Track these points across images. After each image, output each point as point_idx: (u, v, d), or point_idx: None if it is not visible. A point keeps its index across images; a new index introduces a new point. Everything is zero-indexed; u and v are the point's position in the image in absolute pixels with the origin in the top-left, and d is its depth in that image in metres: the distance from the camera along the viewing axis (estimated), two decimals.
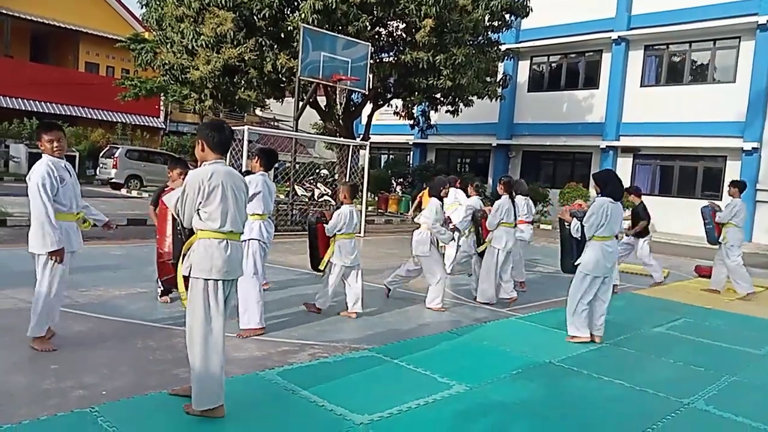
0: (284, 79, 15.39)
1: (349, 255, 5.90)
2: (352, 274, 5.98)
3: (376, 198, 22.12)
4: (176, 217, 3.42)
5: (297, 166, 16.51)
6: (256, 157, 5.48)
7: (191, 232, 3.38)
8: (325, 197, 17.94)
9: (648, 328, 6.45)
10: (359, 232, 6.09)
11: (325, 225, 5.89)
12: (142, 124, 30.50)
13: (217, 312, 3.31)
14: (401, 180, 25.05)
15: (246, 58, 14.11)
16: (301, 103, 13.88)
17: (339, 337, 5.28)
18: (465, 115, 19.27)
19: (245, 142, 11.48)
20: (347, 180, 13.96)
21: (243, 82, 15.56)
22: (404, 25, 15.79)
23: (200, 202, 3.27)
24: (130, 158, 21.85)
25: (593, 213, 5.47)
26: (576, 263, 5.66)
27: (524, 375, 4.63)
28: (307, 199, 17.25)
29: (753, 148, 18.13)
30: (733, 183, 8.83)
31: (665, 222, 18.60)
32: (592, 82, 22.35)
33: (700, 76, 20.08)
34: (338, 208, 6.03)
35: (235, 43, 14.08)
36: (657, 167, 20.90)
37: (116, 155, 21.49)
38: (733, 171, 18.70)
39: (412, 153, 28.00)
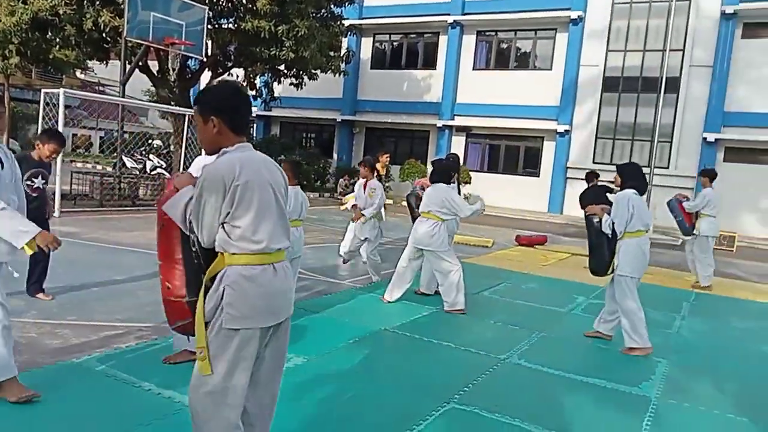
0: (109, 39, 13.99)
1: (298, 245, 5.05)
2: (292, 265, 5.25)
3: None
4: (188, 233, 2.27)
5: (126, 135, 15.19)
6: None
7: (212, 255, 2.26)
8: (159, 170, 16.78)
9: (474, 293, 7.00)
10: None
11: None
12: None
13: (247, 366, 2.24)
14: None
15: (61, 12, 12.55)
16: (128, 67, 12.72)
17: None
18: (309, 89, 19.12)
19: (61, 108, 10.26)
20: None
21: (58, 39, 13.84)
22: None
23: (228, 212, 2.16)
24: None
25: (619, 206, 5.09)
26: (606, 265, 5.23)
27: (360, 344, 4.77)
28: (137, 172, 16.00)
29: (565, 130, 20.36)
30: (703, 172, 8.53)
31: (492, 197, 20.26)
32: (430, 63, 23.37)
33: (524, 62, 21.97)
34: None
35: None
36: (486, 146, 22.59)
37: None
38: (549, 151, 20.86)
39: (255, 125, 27.19)
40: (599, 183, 8.47)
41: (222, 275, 2.20)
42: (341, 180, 20.67)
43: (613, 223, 5.11)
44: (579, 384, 4.26)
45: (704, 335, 6.07)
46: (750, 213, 17.66)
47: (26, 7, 12.47)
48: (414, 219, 6.46)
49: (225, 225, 2.18)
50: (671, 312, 6.82)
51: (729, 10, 17.81)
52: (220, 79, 18.27)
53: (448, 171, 6.21)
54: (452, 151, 20.79)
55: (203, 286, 2.24)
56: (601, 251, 5.25)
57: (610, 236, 5.15)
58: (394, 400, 3.71)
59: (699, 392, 4.34)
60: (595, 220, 5.24)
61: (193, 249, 2.26)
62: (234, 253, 2.18)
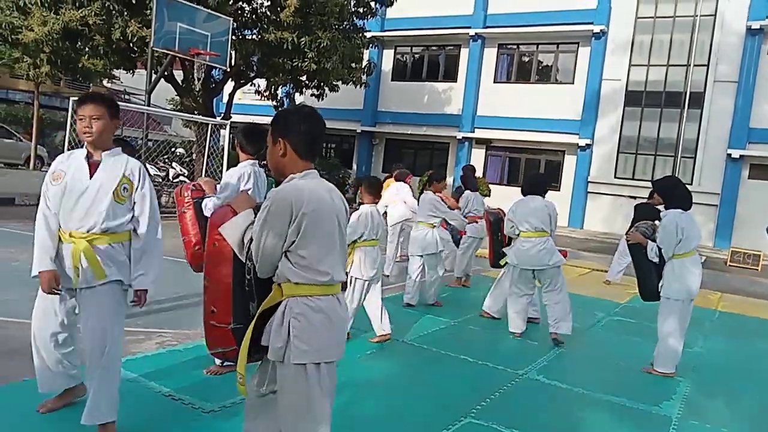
0: (136, 49, 14.25)
1: (373, 266, 4.93)
2: (373, 288, 5.03)
3: None
4: (244, 259, 2.16)
5: (150, 143, 15.45)
6: (237, 143, 4.16)
7: (265, 285, 2.17)
8: (181, 177, 17.01)
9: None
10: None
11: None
12: None
13: (322, 394, 2.18)
14: (265, 163, 24.43)
15: (90, 22, 12.83)
16: (154, 76, 12.95)
17: (191, 324, 5.05)
18: (330, 99, 19.25)
19: None
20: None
21: (87, 48, 14.15)
22: (269, 2, 15.35)
23: (293, 241, 2.07)
24: None
25: (666, 232, 4.77)
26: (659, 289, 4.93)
27: (377, 355, 4.77)
28: (160, 179, 16.24)
29: (587, 144, 20.20)
30: None
31: None
32: (451, 75, 23.41)
33: (545, 76, 21.90)
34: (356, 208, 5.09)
35: (77, 4, 12.73)
36: (506, 159, 22.51)
37: None
38: (570, 165, 20.70)
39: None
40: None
41: (285, 308, 2.10)
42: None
43: (659, 249, 4.81)
44: (598, 401, 4.21)
45: (726, 355, 5.96)
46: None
47: (58, 17, 12.78)
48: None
49: (289, 254, 2.09)
50: (693, 331, 6.70)
51: (755, 25, 17.58)
52: (244, 89, 18.52)
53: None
54: (470, 164, 20.80)
55: (254, 317, 2.15)
56: (650, 277, 4.96)
57: (657, 262, 4.87)
58: (411, 413, 3.70)
59: (720, 413, 4.26)
60: (642, 249, 4.94)
61: (247, 276, 2.14)
62: (298, 283, 2.09)
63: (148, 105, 12.85)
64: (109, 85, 32.42)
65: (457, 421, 3.59)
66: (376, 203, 5.09)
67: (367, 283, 4.92)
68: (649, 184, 18.68)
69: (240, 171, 4.02)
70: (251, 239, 2.11)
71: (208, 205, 3.74)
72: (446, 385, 4.28)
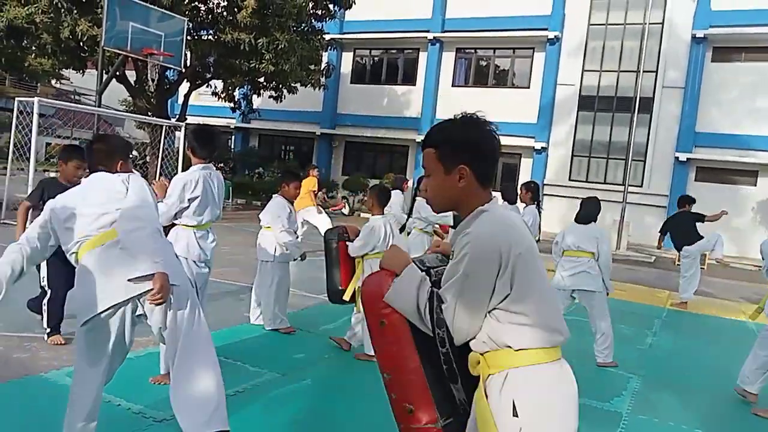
0: (86, 48, 13.85)
1: None
2: None
3: None
4: (430, 329, 1.61)
5: None
6: (188, 146, 4.03)
7: (465, 354, 1.65)
8: None
9: None
10: None
11: (348, 243, 4.53)
12: None
13: None
14: (222, 165, 24.09)
15: (37, 20, 12.39)
16: (105, 77, 12.59)
17: (143, 331, 4.90)
18: (289, 102, 19.12)
19: (35, 116, 10.10)
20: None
21: (34, 47, 13.66)
22: (225, 3, 15.13)
23: (506, 295, 1.57)
24: None
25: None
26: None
27: (337, 359, 4.74)
28: None
29: (542, 147, 20.65)
30: None
31: None
32: (410, 79, 23.57)
33: (502, 80, 22.29)
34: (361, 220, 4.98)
35: (23, 1, 12.27)
36: None
37: None
38: (526, 168, 21.12)
39: (233, 137, 27.05)
40: (691, 210, 8.37)
41: (501, 384, 1.57)
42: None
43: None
44: None
45: (674, 351, 6.17)
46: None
47: (2, 14, 12.30)
48: None
49: (499, 311, 1.58)
50: (643, 328, 6.93)
51: (699, 34, 18.34)
52: (200, 90, 18.15)
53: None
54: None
55: (464, 402, 1.66)
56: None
57: None
58: (369, 417, 3.69)
59: (668, 408, 4.40)
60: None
61: (443, 349, 1.60)
62: (520, 349, 1.57)
63: (99, 106, 12.48)
64: (57, 84, 31.34)
65: None
66: (384, 215, 4.87)
67: None
68: (603, 186, 19.25)
69: (187, 178, 3.87)
70: (431, 300, 1.60)
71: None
72: None
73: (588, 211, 5.36)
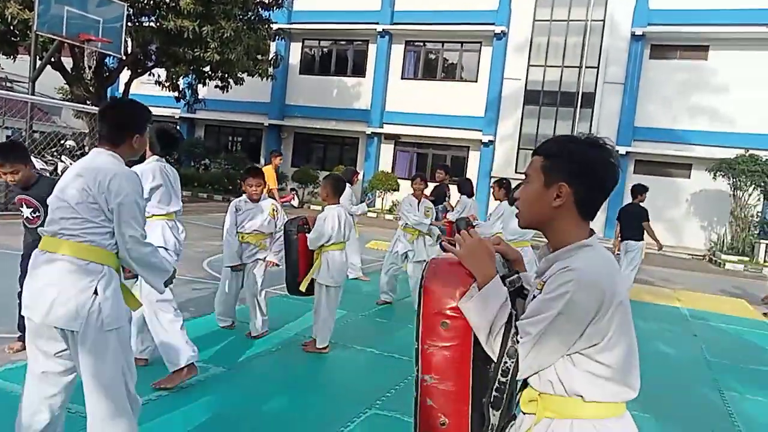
0: (17, 32, 13.13)
1: (342, 271, 4.74)
2: (330, 294, 4.73)
3: None
4: (496, 354, 1.46)
5: (36, 135, 14.29)
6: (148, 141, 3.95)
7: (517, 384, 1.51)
8: None
9: (401, 298, 7.06)
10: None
11: (308, 235, 4.54)
12: None
13: None
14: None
15: None
16: (39, 63, 11.99)
17: None
18: (236, 92, 18.73)
19: None
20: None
21: None
22: None
23: (596, 343, 1.44)
24: None
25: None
26: None
27: (281, 351, 4.69)
28: (48, 173, 15.04)
29: (489, 140, 20.99)
30: None
31: None
32: (359, 71, 23.47)
33: (451, 73, 22.49)
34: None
35: None
36: (414, 154, 22.91)
37: None
38: (474, 160, 21.44)
39: (178, 128, 26.27)
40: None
41: None
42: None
43: None
44: None
45: None
46: (657, 222, 18.82)
47: None
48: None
49: (578, 356, 1.44)
50: None
51: (638, 31, 19.02)
52: (142, 79, 17.48)
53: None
54: (379, 160, 21.00)
55: (495, 428, 1.51)
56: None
57: None
58: (315, 408, 3.67)
59: None
60: None
61: (503, 378, 1.45)
62: (591, 401, 1.44)
63: (32, 93, 11.89)
64: None
65: (361, 413, 3.60)
66: (339, 203, 4.80)
67: (338, 289, 4.72)
68: None
69: (144, 168, 3.81)
70: (509, 324, 1.44)
71: None
72: (351, 377, 4.29)
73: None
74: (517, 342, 1.43)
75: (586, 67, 18.27)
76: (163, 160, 4.01)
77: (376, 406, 3.72)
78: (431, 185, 7.93)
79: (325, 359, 4.68)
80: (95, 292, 2.26)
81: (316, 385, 4.08)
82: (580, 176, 1.49)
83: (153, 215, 3.80)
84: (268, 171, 9.16)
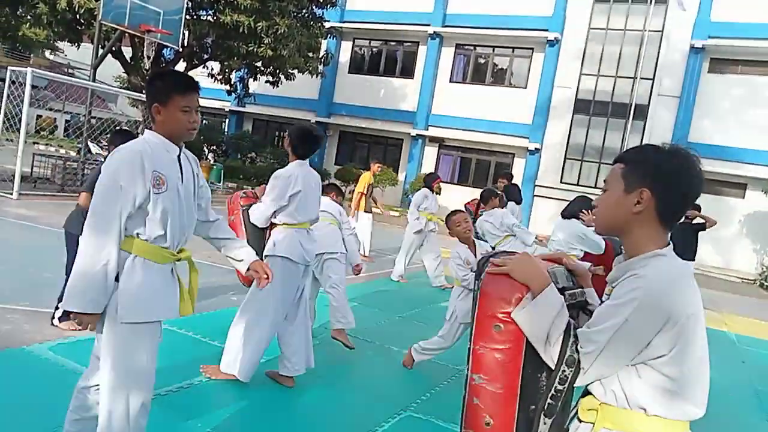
0: (83, 21, 13.66)
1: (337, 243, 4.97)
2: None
3: None
4: (553, 362, 1.46)
5: (93, 120, 14.82)
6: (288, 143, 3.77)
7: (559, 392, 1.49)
8: None
9: (437, 303, 7.04)
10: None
11: None
12: None
13: None
14: (214, 148, 23.93)
15: None
16: (101, 51, 12.44)
17: None
18: (285, 87, 19.00)
19: (28, 87, 9.97)
20: None
21: (29, 17, 13.44)
22: None
23: (661, 355, 1.42)
24: None
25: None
26: None
27: (319, 348, 4.73)
28: (103, 159, 15.59)
29: (536, 148, 20.69)
30: None
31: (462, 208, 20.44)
32: (408, 72, 23.49)
33: (500, 79, 22.27)
34: None
35: None
36: (458, 158, 22.79)
37: None
38: (518, 167, 21.16)
39: (227, 120, 26.86)
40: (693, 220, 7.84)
41: None
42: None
43: None
44: None
45: None
46: (706, 243, 18.20)
47: None
48: None
49: (644, 367, 1.41)
50: None
51: (698, 44, 18.42)
52: (197, 71, 17.95)
53: None
54: (422, 162, 20.86)
55: None
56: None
57: None
58: (350, 407, 3.70)
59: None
60: None
61: (560, 386, 1.45)
62: (654, 415, 1.40)
63: (93, 80, 12.34)
64: (51, 56, 30.94)
65: (396, 414, 3.60)
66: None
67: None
68: (594, 190, 19.36)
69: (287, 174, 3.65)
70: (567, 333, 1.43)
71: (255, 212, 3.61)
72: (388, 378, 4.30)
73: (572, 208, 5.41)
74: (577, 351, 1.42)
75: (641, 78, 17.79)
76: (306, 163, 3.79)
77: (411, 408, 3.72)
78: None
79: (362, 358, 4.70)
80: (116, 280, 2.16)
81: (352, 384, 4.10)
82: (662, 182, 1.46)
83: (284, 224, 3.64)
84: (364, 176, 9.28)
